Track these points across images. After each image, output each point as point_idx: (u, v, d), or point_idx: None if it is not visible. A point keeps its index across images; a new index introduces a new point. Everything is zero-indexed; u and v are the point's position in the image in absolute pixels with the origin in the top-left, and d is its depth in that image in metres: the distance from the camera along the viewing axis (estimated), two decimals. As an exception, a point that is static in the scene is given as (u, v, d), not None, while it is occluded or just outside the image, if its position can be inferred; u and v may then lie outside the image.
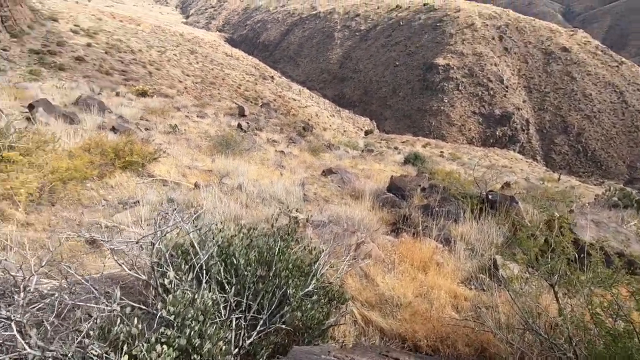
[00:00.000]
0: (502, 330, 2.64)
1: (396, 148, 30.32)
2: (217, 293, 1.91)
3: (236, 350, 1.86)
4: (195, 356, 1.60)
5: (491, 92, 72.14)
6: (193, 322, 1.65)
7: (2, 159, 4.84)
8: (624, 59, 77.44)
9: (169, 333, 1.59)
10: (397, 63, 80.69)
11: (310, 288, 2.07)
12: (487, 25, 79.42)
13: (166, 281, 1.87)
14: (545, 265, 2.71)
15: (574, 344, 2.26)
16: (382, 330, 2.85)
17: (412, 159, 14.17)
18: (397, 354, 2.31)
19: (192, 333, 1.61)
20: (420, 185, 7.82)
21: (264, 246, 2.20)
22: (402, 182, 8.08)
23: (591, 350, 2.20)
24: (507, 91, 71.89)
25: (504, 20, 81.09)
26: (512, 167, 39.17)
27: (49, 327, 1.65)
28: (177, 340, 1.57)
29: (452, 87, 72.49)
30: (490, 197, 5.70)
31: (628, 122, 67.88)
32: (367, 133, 36.73)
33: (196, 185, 6.10)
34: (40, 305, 1.80)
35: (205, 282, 1.99)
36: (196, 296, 1.78)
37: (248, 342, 1.89)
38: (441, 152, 37.37)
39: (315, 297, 2.01)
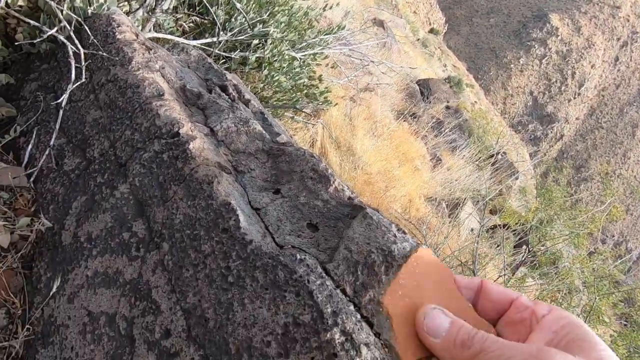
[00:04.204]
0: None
1: (445, 65, 27.55)
2: None
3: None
4: None
5: (562, 88, 65.47)
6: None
7: None
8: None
9: None
10: (517, -14, 67.64)
11: (298, 56, 1.45)
12: (628, 20, 66.74)
13: None
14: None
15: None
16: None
17: (455, 82, 12.78)
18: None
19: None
20: (448, 101, 6.95)
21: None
22: (436, 85, 7.07)
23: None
24: (575, 98, 65.77)
25: (646, 31, 68.51)
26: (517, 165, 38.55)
27: None
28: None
29: (537, 54, 64.15)
30: (500, 156, 5.19)
31: (624, 199, 68.01)
32: (431, 31, 32.37)
33: None
34: None
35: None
36: None
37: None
38: (475, 102, 34.92)
39: (297, 66, 1.42)
